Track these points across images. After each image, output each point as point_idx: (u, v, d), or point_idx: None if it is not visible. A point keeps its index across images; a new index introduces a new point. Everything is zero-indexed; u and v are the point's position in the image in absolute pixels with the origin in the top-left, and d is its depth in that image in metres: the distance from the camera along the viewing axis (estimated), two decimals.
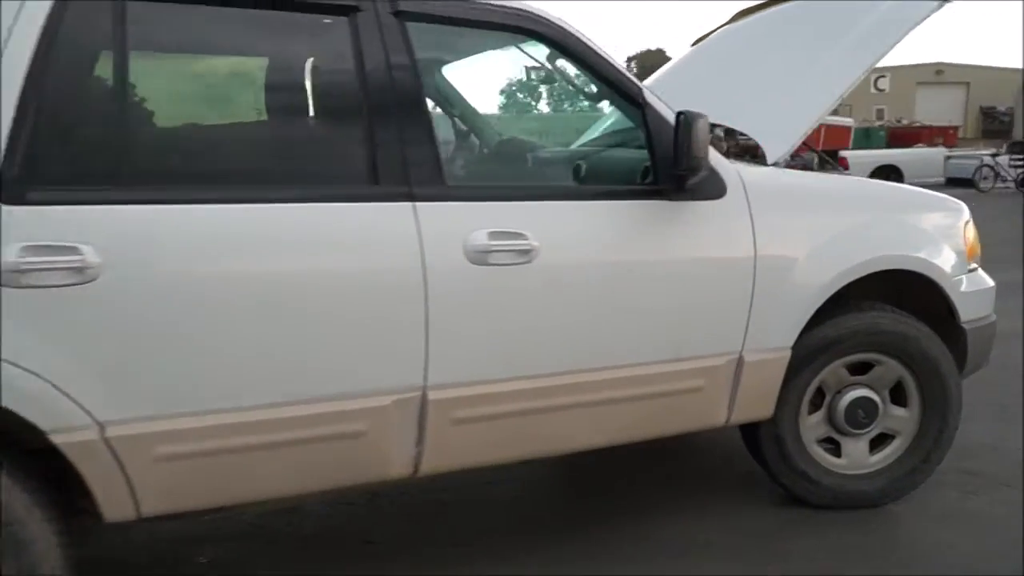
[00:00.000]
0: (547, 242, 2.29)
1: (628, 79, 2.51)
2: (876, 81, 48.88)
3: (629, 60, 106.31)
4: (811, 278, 2.71)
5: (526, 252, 2.26)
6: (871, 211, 2.91)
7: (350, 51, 2.15)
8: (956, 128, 32.96)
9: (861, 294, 2.97)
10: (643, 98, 2.49)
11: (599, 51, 2.48)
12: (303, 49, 2.27)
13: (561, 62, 2.66)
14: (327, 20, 2.17)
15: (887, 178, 20.54)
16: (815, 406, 2.93)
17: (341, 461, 2.15)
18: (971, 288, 3.05)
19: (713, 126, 3.07)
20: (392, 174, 2.14)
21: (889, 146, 27.67)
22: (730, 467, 3.33)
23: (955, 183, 21.09)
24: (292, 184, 2.11)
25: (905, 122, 36.57)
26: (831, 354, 2.84)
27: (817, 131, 30.75)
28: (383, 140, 2.14)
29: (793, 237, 2.71)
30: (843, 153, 20.67)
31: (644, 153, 2.51)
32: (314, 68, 2.29)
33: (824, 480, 2.92)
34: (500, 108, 3.09)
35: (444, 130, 2.62)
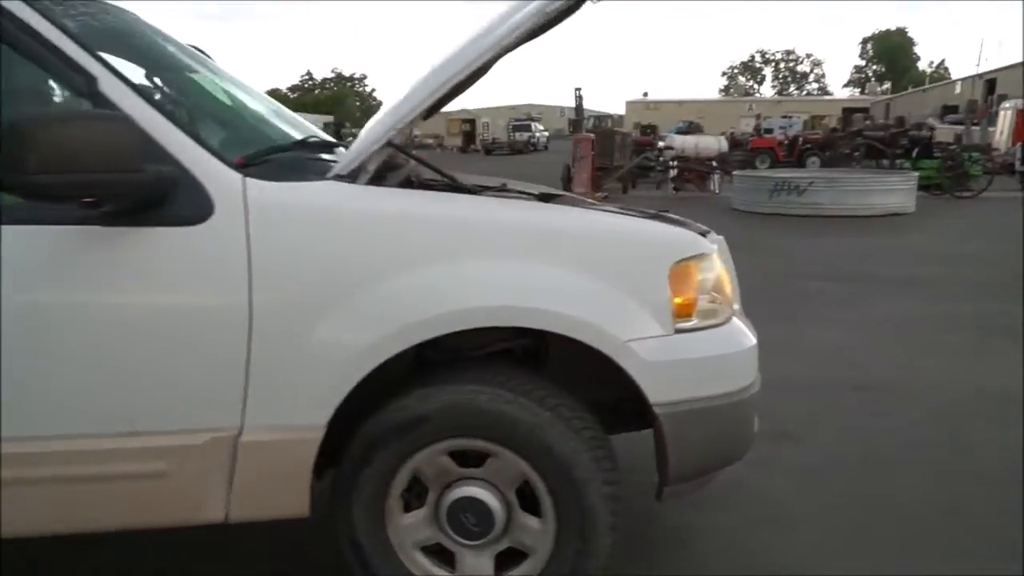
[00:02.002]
0: None
1: (80, 64, 1.92)
2: None
3: (865, 41, 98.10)
4: (353, 336, 1.98)
5: None
6: (477, 247, 2.07)
7: None
8: None
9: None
10: (93, 89, 1.91)
11: (36, 24, 1.90)
12: None
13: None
14: None
15: None
16: (420, 502, 2.19)
17: None
18: (675, 355, 2.12)
19: None
20: None
21: None
22: None
23: None
24: None
25: None
26: (418, 437, 2.08)
27: None
28: None
29: (321, 278, 1.99)
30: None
31: None
32: None
33: None
34: None
35: None
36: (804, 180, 12.55)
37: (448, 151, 46.33)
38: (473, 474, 2.14)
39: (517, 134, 44.25)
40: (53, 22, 1.93)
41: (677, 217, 2.79)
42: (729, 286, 2.41)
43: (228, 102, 2.80)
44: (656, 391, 2.12)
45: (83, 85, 1.91)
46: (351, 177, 2.09)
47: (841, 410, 4.00)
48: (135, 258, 1.91)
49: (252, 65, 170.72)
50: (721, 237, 2.61)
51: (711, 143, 19.26)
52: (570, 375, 2.23)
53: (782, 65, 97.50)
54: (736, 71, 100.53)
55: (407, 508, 2.18)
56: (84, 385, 1.92)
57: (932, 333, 5.49)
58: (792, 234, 10.71)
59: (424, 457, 2.12)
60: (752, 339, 2.35)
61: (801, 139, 23.79)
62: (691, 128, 30.19)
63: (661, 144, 20.70)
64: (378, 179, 2.18)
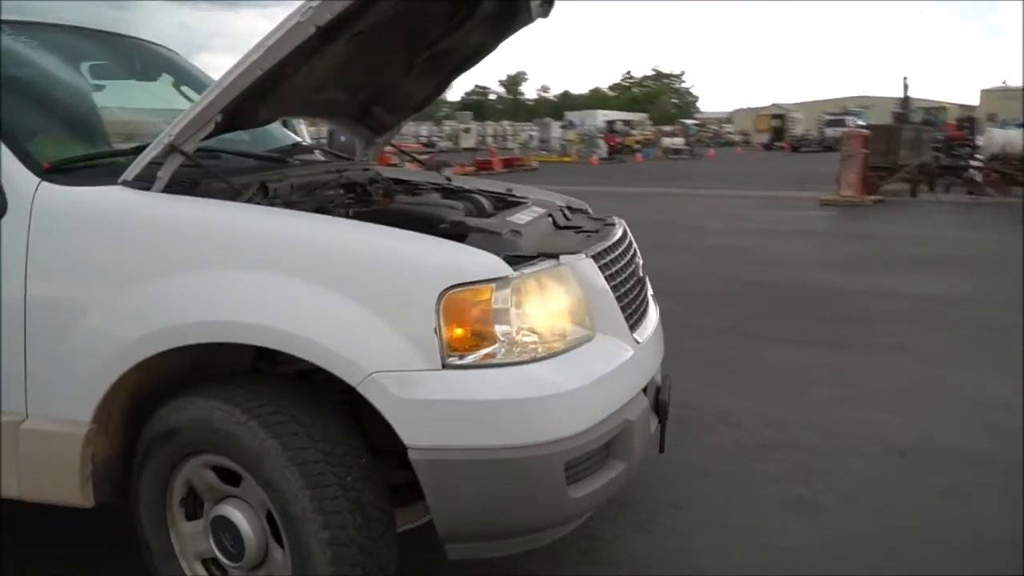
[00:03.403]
0: None
1: None
2: None
3: None
4: (105, 338, 2.01)
5: None
6: (227, 260, 1.98)
7: None
8: None
9: None
10: None
11: None
12: None
13: None
14: None
15: None
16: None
17: None
18: (439, 394, 1.86)
19: None
20: None
21: None
22: None
23: None
24: None
25: None
26: (176, 447, 2.06)
27: None
28: None
29: (83, 278, 2.07)
30: None
31: None
32: None
33: None
34: None
35: None
36: None
37: (752, 148, 44.29)
38: (231, 492, 2.06)
39: (829, 129, 40.79)
40: None
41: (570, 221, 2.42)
42: (566, 316, 2.05)
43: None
44: (412, 432, 1.87)
45: None
46: (141, 183, 2.09)
47: (918, 484, 3.16)
48: None
49: (575, 65, 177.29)
50: (586, 260, 2.20)
51: None
52: None
53: None
54: None
55: (193, 516, 2.17)
56: None
57: None
58: None
59: (191, 468, 2.09)
60: (576, 383, 1.96)
61: None
62: None
63: (980, 141, 17.83)
64: (192, 185, 2.17)
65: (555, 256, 2.12)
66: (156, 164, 2.10)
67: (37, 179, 2.10)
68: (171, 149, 2.07)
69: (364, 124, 3.18)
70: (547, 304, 2.03)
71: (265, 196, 2.35)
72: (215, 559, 2.14)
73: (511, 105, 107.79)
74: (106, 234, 2.06)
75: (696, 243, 9.87)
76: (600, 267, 2.25)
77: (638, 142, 38.25)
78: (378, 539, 1.95)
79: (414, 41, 2.80)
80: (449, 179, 3.36)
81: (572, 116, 49.33)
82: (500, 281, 1.92)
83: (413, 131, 62.26)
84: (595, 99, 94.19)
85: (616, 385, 2.12)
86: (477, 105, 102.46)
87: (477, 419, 1.88)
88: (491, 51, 3.10)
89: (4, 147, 2.12)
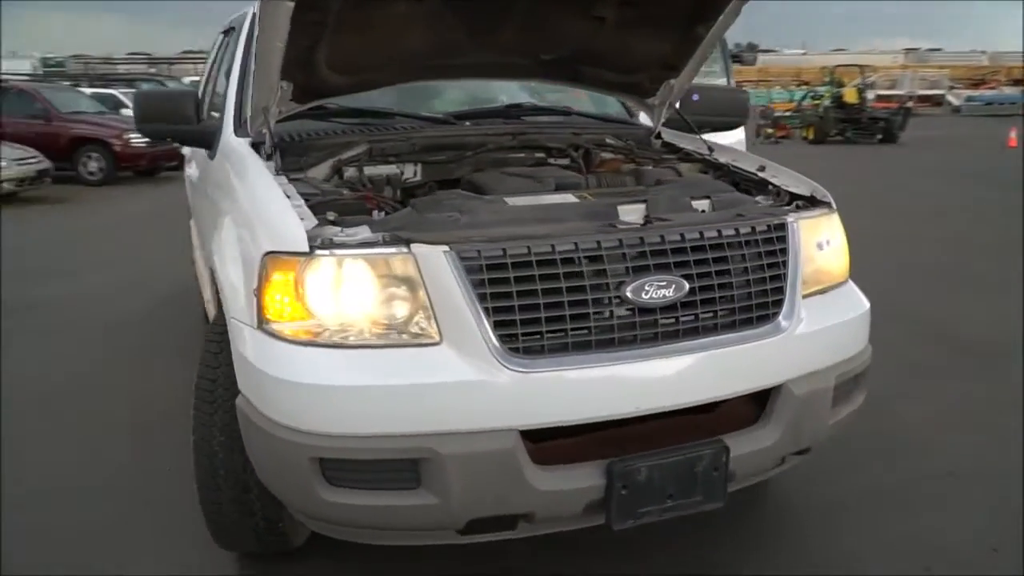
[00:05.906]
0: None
1: (232, 66, 3.14)
2: None
3: None
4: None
5: None
6: (228, 212, 2.46)
7: None
8: None
9: None
10: (227, 76, 3.12)
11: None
12: None
13: None
14: None
15: None
16: None
17: None
18: (249, 351, 1.99)
19: None
20: None
21: None
22: None
23: None
24: None
25: None
26: None
27: None
28: None
29: (214, 198, 2.84)
30: None
31: None
32: None
33: None
34: None
35: None
36: None
37: None
38: None
39: None
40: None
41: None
42: (391, 309, 1.89)
43: None
44: (239, 379, 2.06)
45: (226, 72, 3.15)
46: (256, 142, 2.59)
47: None
48: (206, 173, 3.11)
49: None
50: (444, 256, 1.80)
51: None
52: None
53: None
54: None
55: None
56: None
57: None
58: None
59: None
60: (343, 382, 1.85)
61: None
62: None
63: None
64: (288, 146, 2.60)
65: (406, 243, 1.87)
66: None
67: (232, 130, 2.87)
68: (264, 114, 2.54)
69: (585, 83, 2.99)
70: (357, 290, 1.86)
71: (370, 156, 2.63)
72: None
73: None
74: (220, 171, 2.77)
75: None
76: (500, 266, 1.84)
77: None
78: (247, 465, 2.16)
79: None
80: (711, 149, 2.90)
81: None
82: (304, 256, 1.87)
83: None
84: None
85: (423, 404, 1.81)
86: None
87: (257, 384, 1.94)
88: None
89: (233, 110, 2.94)
